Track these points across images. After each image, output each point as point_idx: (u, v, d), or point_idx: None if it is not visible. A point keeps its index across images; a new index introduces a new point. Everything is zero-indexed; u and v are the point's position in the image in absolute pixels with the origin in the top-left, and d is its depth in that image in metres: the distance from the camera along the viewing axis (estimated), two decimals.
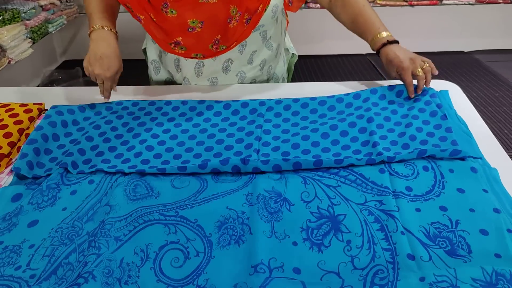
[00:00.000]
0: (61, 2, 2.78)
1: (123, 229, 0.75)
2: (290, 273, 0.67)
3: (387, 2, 3.16)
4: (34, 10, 2.45)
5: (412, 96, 1.01)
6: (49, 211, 0.79)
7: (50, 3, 2.62)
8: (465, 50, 3.48)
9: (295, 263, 0.69)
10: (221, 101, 1.07)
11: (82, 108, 1.06)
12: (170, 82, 1.24)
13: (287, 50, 1.31)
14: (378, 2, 3.13)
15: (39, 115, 1.04)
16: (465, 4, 3.21)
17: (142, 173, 0.86)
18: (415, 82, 1.02)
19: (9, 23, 2.27)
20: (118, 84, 1.07)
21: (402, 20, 3.30)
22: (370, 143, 0.90)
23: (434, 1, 3.20)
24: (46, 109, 1.07)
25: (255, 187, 0.81)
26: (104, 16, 1.03)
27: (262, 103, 1.06)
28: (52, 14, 2.66)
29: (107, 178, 0.86)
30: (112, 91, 1.05)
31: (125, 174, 0.86)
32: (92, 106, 1.07)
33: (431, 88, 1.06)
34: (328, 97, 1.07)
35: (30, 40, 2.45)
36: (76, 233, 0.75)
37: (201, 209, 0.78)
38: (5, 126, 0.95)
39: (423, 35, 3.39)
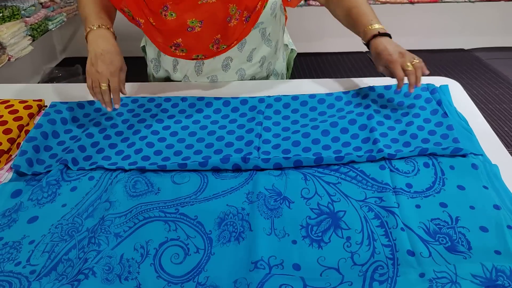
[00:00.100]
0: None
1: (123, 225, 0.75)
2: (289, 269, 0.67)
3: (388, 0, 3.16)
4: (34, 7, 2.45)
5: (399, 89, 0.97)
6: (49, 207, 0.79)
7: (50, 1, 2.61)
8: (465, 48, 3.47)
9: (295, 259, 0.69)
10: (220, 98, 1.07)
11: (81, 105, 1.06)
12: (170, 79, 1.24)
13: (286, 45, 1.30)
14: None
15: (39, 111, 1.04)
16: (465, 1, 3.20)
17: (142, 170, 0.86)
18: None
19: (9, 20, 2.27)
20: None
21: (402, 18, 3.29)
22: (370, 140, 0.90)
23: None
24: (46, 106, 1.07)
25: (255, 185, 0.81)
26: (100, 16, 0.99)
27: (261, 100, 1.06)
28: (52, 11, 2.65)
29: (107, 174, 0.86)
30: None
31: (125, 170, 0.86)
32: (91, 102, 1.07)
33: (431, 84, 1.06)
34: (327, 94, 1.07)
35: (30, 37, 2.45)
36: (76, 229, 0.75)
37: (201, 206, 0.78)
38: (5, 122, 0.95)
39: (424, 32, 3.39)
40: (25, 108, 1.00)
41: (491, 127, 0.97)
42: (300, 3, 2.85)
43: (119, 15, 1.08)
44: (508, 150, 0.90)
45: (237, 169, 0.86)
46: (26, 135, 0.95)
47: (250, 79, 1.19)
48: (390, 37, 1.00)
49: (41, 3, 2.53)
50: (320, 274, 0.66)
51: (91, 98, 1.07)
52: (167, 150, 0.93)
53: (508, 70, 3.10)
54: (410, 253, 0.67)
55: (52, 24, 2.66)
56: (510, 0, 3.20)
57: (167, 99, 1.08)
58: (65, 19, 2.80)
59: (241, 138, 0.94)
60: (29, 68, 2.86)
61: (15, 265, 0.69)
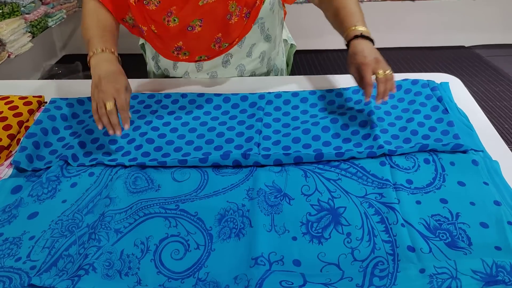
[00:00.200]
0: None
1: (123, 221, 0.75)
2: (290, 265, 0.67)
3: None
4: (33, 4, 2.45)
5: (367, 100, 0.90)
6: (49, 203, 0.79)
7: None
8: (466, 45, 3.47)
9: (295, 255, 0.69)
10: (220, 94, 1.07)
11: (81, 101, 1.05)
12: (171, 76, 1.23)
13: (285, 41, 1.30)
14: None
15: (39, 107, 1.04)
16: None
17: (142, 166, 0.86)
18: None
19: (9, 17, 2.27)
20: None
21: (403, 15, 3.29)
22: (371, 136, 0.90)
23: None
24: (46, 102, 1.06)
25: (255, 181, 0.81)
26: (104, 39, 0.95)
27: (261, 96, 1.06)
28: (51, 8, 2.65)
29: (107, 170, 0.86)
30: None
31: (125, 166, 0.86)
32: (91, 99, 1.06)
33: (432, 81, 1.05)
34: (328, 91, 1.07)
35: (29, 34, 2.45)
36: (76, 225, 0.75)
37: (201, 203, 0.78)
38: (5, 118, 0.95)
39: (424, 30, 3.38)
40: (25, 104, 1.00)
41: (492, 124, 0.97)
42: (300, 0, 2.85)
43: None
44: (509, 148, 0.90)
45: (237, 165, 0.86)
46: (26, 131, 0.95)
47: (250, 75, 1.18)
48: (373, 42, 0.95)
49: (40, 0, 2.53)
50: (321, 270, 0.66)
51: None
52: (167, 146, 0.92)
53: (509, 67, 3.09)
54: (410, 249, 0.67)
55: (52, 21, 2.66)
56: None
57: (167, 96, 1.08)
58: (65, 16, 2.80)
59: (241, 134, 0.94)
60: (29, 65, 2.85)
61: (15, 261, 0.69)
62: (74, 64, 2.98)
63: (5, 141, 0.90)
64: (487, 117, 0.99)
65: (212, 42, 1.02)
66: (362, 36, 0.93)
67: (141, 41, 1.26)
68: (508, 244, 0.67)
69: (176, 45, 1.02)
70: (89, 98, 1.06)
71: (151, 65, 1.23)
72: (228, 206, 0.77)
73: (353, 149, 0.87)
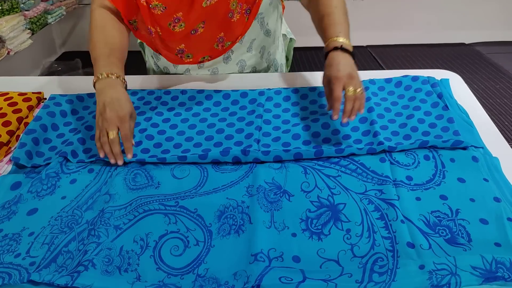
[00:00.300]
0: None
1: (122, 218, 0.75)
2: (289, 262, 0.67)
3: None
4: (33, 1, 2.44)
5: (336, 118, 0.84)
6: (49, 200, 0.79)
7: None
8: (466, 42, 3.46)
9: (295, 251, 0.69)
10: (220, 91, 1.07)
11: (80, 97, 1.05)
12: (171, 73, 1.23)
13: (284, 35, 1.30)
14: None
15: (38, 104, 1.04)
16: None
17: (142, 162, 0.86)
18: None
19: (8, 14, 2.26)
20: None
21: (403, 12, 3.28)
22: (371, 133, 0.90)
23: None
24: (45, 98, 1.06)
25: (255, 178, 0.81)
26: (110, 61, 0.91)
27: (261, 92, 1.06)
28: (51, 5, 2.64)
29: (106, 167, 0.86)
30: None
31: (125, 163, 0.86)
32: (90, 95, 1.06)
33: (432, 77, 1.05)
34: None
35: (29, 31, 2.44)
36: (76, 221, 0.75)
37: (201, 199, 0.78)
38: (4, 114, 0.95)
39: (424, 27, 3.38)
40: (24, 100, 1.00)
41: (492, 121, 0.97)
42: None
43: None
44: (509, 145, 0.89)
45: (237, 162, 0.86)
46: (25, 127, 0.94)
47: (250, 70, 1.18)
48: (353, 56, 0.90)
49: None
50: (320, 266, 0.66)
51: (90, 91, 1.07)
52: (167, 142, 0.92)
53: (509, 64, 3.09)
54: (410, 245, 0.67)
55: (51, 17, 2.65)
56: None
57: (167, 92, 1.08)
58: (64, 13, 2.79)
59: (241, 130, 0.94)
60: (29, 62, 2.85)
61: (14, 257, 0.69)
62: (74, 61, 2.97)
63: (5, 138, 0.90)
64: (487, 114, 0.99)
65: (215, 42, 1.02)
66: (342, 49, 0.89)
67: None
68: (507, 240, 0.67)
69: (178, 48, 1.01)
70: (88, 95, 1.06)
71: (150, 63, 1.23)
72: (228, 203, 0.77)
73: (353, 145, 0.87)
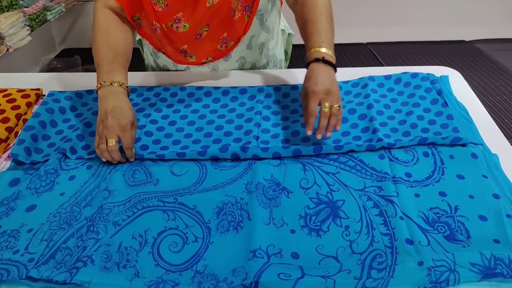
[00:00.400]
0: None
1: (121, 214, 0.75)
2: (288, 258, 0.67)
3: None
4: None
5: (310, 133, 0.83)
6: (47, 196, 0.79)
7: None
8: (466, 39, 3.45)
9: (293, 248, 0.69)
10: (219, 88, 1.06)
11: (79, 94, 1.05)
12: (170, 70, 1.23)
13: (283, 30, 1.30)
14: None
15: (37, 100, 1.04)
16: None
17: (141, 159, 0.86)
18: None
19: (7, 10, 2.25)
20: None
21: (403, 9, 3.27)
22: (370, 130, 0.90)
23: None
24: (44, 95, 1.06)
25: (254, 175, 0.81)
26: (113, 67, 0.90)
27: (260, 89, 1.05)
28: (50, 1, 2.63)
29: (105, 163, 0.86)
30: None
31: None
32: (89, 92, 1.06)
33: (431, 74, 1.05)
34: None
35: (28, 27, 2.43)
36: (75, 217, 0.75)
37: (200, 196, 0.78)
38: (3, 111, 0.94)
39: (424, 24, 3.37)
40: (23, 97, 1.00)
41: (491, 118, 0.97)
42: None
43: None
44: (508, 142, 0.89)
45: (236, 158, 0.86)
46: (24, 124, 0.94)
47: (250, 67, 1.18)
48: (335, 68, 0.88)
49: None
50: (319, 263, 0.66)
51: (89, 87, 1.06)
52: (166, 139, 0.92)
53: (509, 61, 3.08)
54: (408, 242, 0.67)
55: (50, 14, 2.64)
56: None
57: (166, 89, 1.07)
58: (63, 10, 2.78)
59: (240, 127, 0.94)
60: (28, 59, 2.84)
61: (13, 253, 0.69)
62: (73, 58, 2.96)
63: (3, 134, 0.90)
64: (487, 111, 0.99)
65: (219, 43, 1.02)
66: (324, 60, 0.86)
67: (139, 36, 1.25)
68: (506, 237, 0.67)
69: (181, 48, 1.00)
70: (87, 91, 1.06)
71: (149, 60, 1.23)
72: (227, 200, 0.77)
73: (352, 142, 0.87)
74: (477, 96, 1.04)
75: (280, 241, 0.70)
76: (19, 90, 1.02)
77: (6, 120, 0.93)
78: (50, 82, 1.14)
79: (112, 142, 0.82)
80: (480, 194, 0.75)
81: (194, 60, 1.04)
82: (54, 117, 0.97)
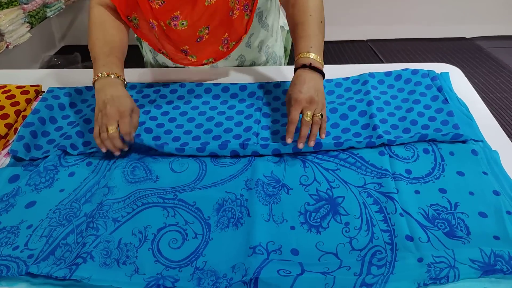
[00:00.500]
0: None
1: (121, 210, 0.75)
2: (288, 255, 0.67)
3: None
4: None
5: (289, 141, 0.82)
6: (47, 193, 0.79)
7: None
8: (467, 36, 3.45)
9: (293, 244, 0.69)
10: (219, 84, 1.06)
11: (79, 90, 1.05)
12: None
13: (282, 27, 1.29)
14: None
15: (36, 96, 1.03)
16: None
17: (140, 155, 0.86)
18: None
19: (7, 7, 2.25)
20: None
21: (404, 6, 3.27)
22: (370, 126, 0.90)
23: None
24: (43, 91, 1.06)
25: (254, 172, 0.81)
26: (110, 60, 0.90)
27: (260, 86, 1.05)
28: None
29: (105, 160, 0.86)
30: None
31: (123, 156, 0.86)
32: (89, 88, 1.06)
33: (432, 71, 1.05)
34: (327, 81, 1.06)
35: (28, 24, 2.43)
36: (74, 214, 0.75)
37: (200, 193, 0.78)
38: (2, 107, 0.94)
39: (425, 21, 3.36)
40: (22, 93, 1.00)
41: (491, 115, 0.97)
42: None
43: None
44: (509, 139, 0.89)
45: (235, 155, 0.85)
46: (23, 120, 0.94)
47: (250, 64, 1.18)
48: (323, 74, 0.87)
49: None
50: (319, 259, 0.66)
51: (89, 84, 1.06)
52: (165, 135, 0.92)
53: (510, 59, 3.08)
54: (408, 238, 0.67)
55: (50, 11, 2.63)
56: None
57: (166, 85, 1.07)
58: (63, 6, 2.77)
59: (240, 124, 0.93)
60: (28, 55, 2.84)
61: (13, 249, 0.69)
62: (73, 55, 2.96)
63: (2, 130, 0.90)
64: (488, 108, 0.99)
65: (220, 45, 1.01)
66: (311, 67, 0.85)
67: None
68: (506, 233, 0.67)
69: (182, 48, 1.00)
70: (87, 88, 1.06)
71: (148, 57, 1.22)
72: (227, 196, 0.77)
73: (352, 139, 0.87)
74: (478, 94, 1.04)
75: (280, 238, 0.70)
76: (19, 87, 1.02)
77: (5, 116, 0.92)
78: (50, 78, 1.14)
79: (112, 129, 0.82)
80: (480, 191, 0.75)
81: (195, 60, 1.03)
82: (54, 114, 0.97)
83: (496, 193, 0.74)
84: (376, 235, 0.69)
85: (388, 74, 1.06)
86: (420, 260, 0.63)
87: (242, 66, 1.17)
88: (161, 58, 1.17)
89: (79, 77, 1.12)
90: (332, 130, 0.91)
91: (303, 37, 0.89)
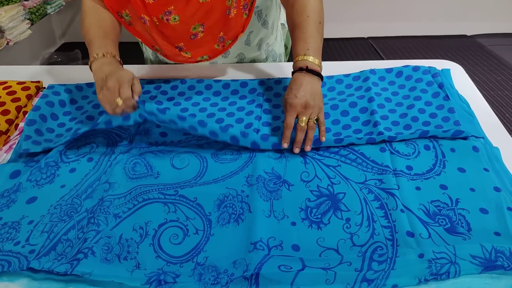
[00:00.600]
0: None
1: (122, 206, 0.75)
2: (289, 250, 0.67)
3: None
4: None
5: (285, 146, 0.83)
6: (48, 188, 0.79)
7: None
8: (468, 34, 3.44)
9: (294, 240, 0.69)
10: (220, 80, 1.06)
11: (79, 87, 1.05)
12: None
13: (282, 25, 1.29)
14: None
15: (37, 93, 1.03)
16: None
17: (141, 151, 0.86)
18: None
19: (7, 4, 2.24)
20: None
21: (404, 3, 3.26)
22: (371, 123, 0.90)
23: None
24: (44, 87, 1.06)
25: (255, 168, 0.81)
26: (105, 43, 0.90)
27: (261, 82, 1.05)
28: None
29: (106, 156, 0.86)
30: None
31: (124, 152, 0.86)
32: (90, 85, 1.06)
33: (433, 67, 1.05)
34: (328, 77, 1.06)
35: (28, 21, 2.42)
36: (75, 210, 0.75)
37: (200, 189, 0.78)
38: (3, 103, 0.94)
39: (426, 18, 3.36)
40: (23, 89, 1.00)
41: (492, 111, 0.96)
42: None
43: None
44: (510, 136, 0.89)
45: (236, 150, 0.85)
46: (24, 116, 0.94)
47: (249, 62, 1.17)
48: (321, 77, 0.87)
49: None
50: (319, 255, 0.66)
51: (90, 80, 1.06)
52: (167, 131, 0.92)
53: (511, 56, 3.07)
54: (409, 234, 0.67)
55: (50, 8, 2.63)
56: None
57: (166, 81, 1.07)
58: (63, 3, 2.77)
59: (241, 120, 0.93)
60: (28, 52, 2.83)
61: (14, 245, 0.69)
62: (74, 52, 2.96)
63: (3, 126, 0.90)
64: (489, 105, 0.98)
65: (216, 43, 1.00)
66: (308, 70, 0.85)
67: None
68: (507, 230, 0.67)
69: (177, 45, 0.99)
70: (87, 84, 1.06)
71: (148, 53, 1.22)
72: (227, 192, 0.77)
73: (352, 135, 0.87)
74: (479, 91, 1.04)
75: (280, 234, 0.70)
76: (19, 83, 1.02)
77: (6, 112, 0.92)
78: (50, 75, 1.14)
79: (120, 101, 0.81)
80: (481, 187, 0.75)
81: (190, 57, 1.02)
82: (55, 110, 0.97)
83: (497, 189, 0.74)
84: (377, 231, 0.69)
85: (389, 70, 1.06)
86: (421, 256, 0.63)
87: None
88: (161, 56, 1.16)
89: (80, 73, 1.12)
90: (333, 126, 0.91)
91: (300, 40, 0.89)
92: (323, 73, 0.88)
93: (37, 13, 2.50)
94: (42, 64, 2.87)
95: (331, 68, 1.12)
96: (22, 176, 0.81)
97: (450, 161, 0.80)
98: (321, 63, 0.88)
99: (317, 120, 0.83)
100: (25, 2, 2.38)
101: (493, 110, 0.97)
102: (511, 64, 2.98)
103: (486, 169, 0.78)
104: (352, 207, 0.73)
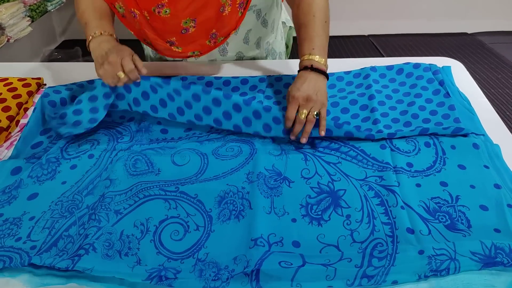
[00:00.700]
0: None
1: (123, 203, 0.75)
2: (289, 247, 0.67)
3: None
4: None
5: (293, 138, 0.85)
6: (49, 185, 0.79)
7: None
8: (469, 32, 3.44)
9: (295, 237, 0.69)
10: (220, 77, 1.06)
11: (80, 85, 1.04)
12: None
13: (284, 23, 1.28)
14: None
15: (38, 89, 1.03)
16: None
17: (142, 148, 0.86)
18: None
19: (8, 1, 2.25)
20: None
21: (405, 1, 3.26)
22: (371, 120, 0.90)
23: None
24: (45, 84, 1.06)
25: (255, 165, 0.81)
26: (102, 23, 0.92)
27: (262, 79, 1.05)
28: None
29: (107, 153, 0.86)
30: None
31: (125, 149, 0.86)
32: (90, 82, 1.05)
33: (434, 65, 1.05)
34: (328, 74, 1.06)
35: (28, 18, 2.43)
36: (76, 206, 0.75)
37: (201, 185, 0.78)
38: (4, 100, 0.94)
39: (427, 16, 3.35)
40: (24, 86, 1.00)
41: (493, 108, 0.97)
42: None
43: None
44: (510, 133, 0.89)
45: (238, 146, 0.85)
46: (25, 112, 0.94)
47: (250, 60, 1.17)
48: (327, 76, 0.88)
49: None
50: (320, 251, 0.67)
51: (91, 78, 1.06)
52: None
53: (511, 54, 3.07)
54: (409, 231, 0.68)
55: (51, 5, 2.63)
56: None
57: (166, 78, 1.07)
58: (64, 0, 2.77)
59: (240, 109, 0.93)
60: (29, 49, 2.84)
61: (15, 241, 0.69)
62: (74, 50, 2.96)
63: (4, 123, 0.90)
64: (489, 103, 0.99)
65: (207, 39, 1.00)
66: (312, 68, 0.86)
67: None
68: (507, 226, 0.68)
69: (168, 39, 0.98)
70: (88, 82, 1.06)
71: (148, 50, 1.22)
72: (228, 189, 0.77)
73: (352, 131, 0.87)
74: (479, 88, 1.04)
75: (281, 230, 0.70)
76: (20, 79, 1.02)
77: (7, 109, 0.93)
78: (51, 72, 1.14)
79: (122, 74, 0.83)
80: (481, 184, 0.75)
81: (180, 51, 1.01)
82: (56, 110, 0.97)
83: (497, 186, 0.74)
84: (377, 227, 0.69)
85: (389, 68, 1.06)
86: (421, 252, 0.64)
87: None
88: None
89: (80, 70, 1.12)
90: (333, 123, 0.90)
91: (306, 39, 0.89)
92: None
93: (37, 10, 2.50)
94: (42, 61, 2.87)
95: (331, 65, 1.12)
96: (23, 173, 0.81)
97: (451, 158, 0.80)
98: (327, 62, 0.89)
99: (318, 114, 0.83)
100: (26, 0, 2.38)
101: (493, 108, 0.97)
102: (511, 62, 2.97)
103: (486, 166, 0.78)
104: (352, 204, 0.74)
